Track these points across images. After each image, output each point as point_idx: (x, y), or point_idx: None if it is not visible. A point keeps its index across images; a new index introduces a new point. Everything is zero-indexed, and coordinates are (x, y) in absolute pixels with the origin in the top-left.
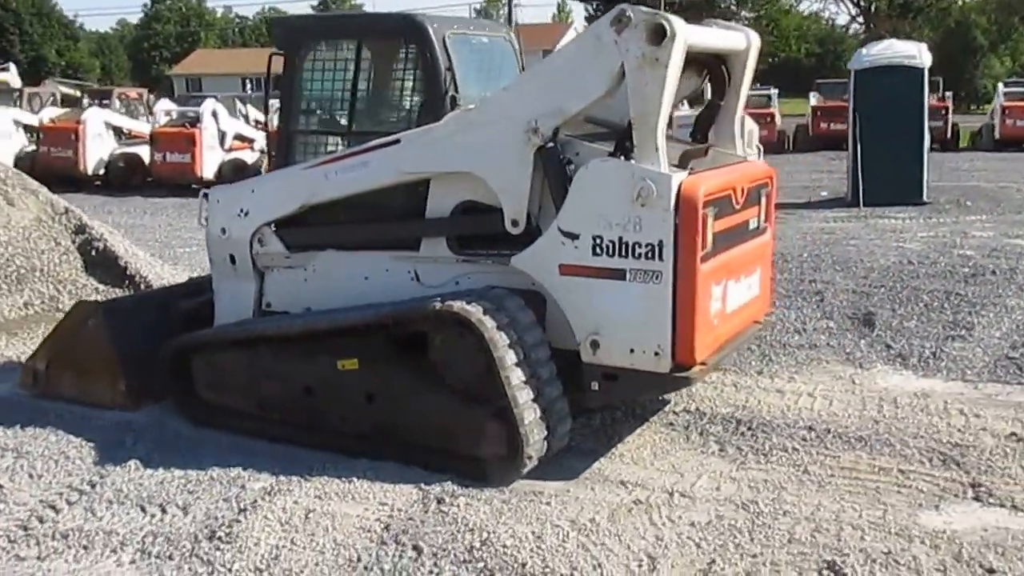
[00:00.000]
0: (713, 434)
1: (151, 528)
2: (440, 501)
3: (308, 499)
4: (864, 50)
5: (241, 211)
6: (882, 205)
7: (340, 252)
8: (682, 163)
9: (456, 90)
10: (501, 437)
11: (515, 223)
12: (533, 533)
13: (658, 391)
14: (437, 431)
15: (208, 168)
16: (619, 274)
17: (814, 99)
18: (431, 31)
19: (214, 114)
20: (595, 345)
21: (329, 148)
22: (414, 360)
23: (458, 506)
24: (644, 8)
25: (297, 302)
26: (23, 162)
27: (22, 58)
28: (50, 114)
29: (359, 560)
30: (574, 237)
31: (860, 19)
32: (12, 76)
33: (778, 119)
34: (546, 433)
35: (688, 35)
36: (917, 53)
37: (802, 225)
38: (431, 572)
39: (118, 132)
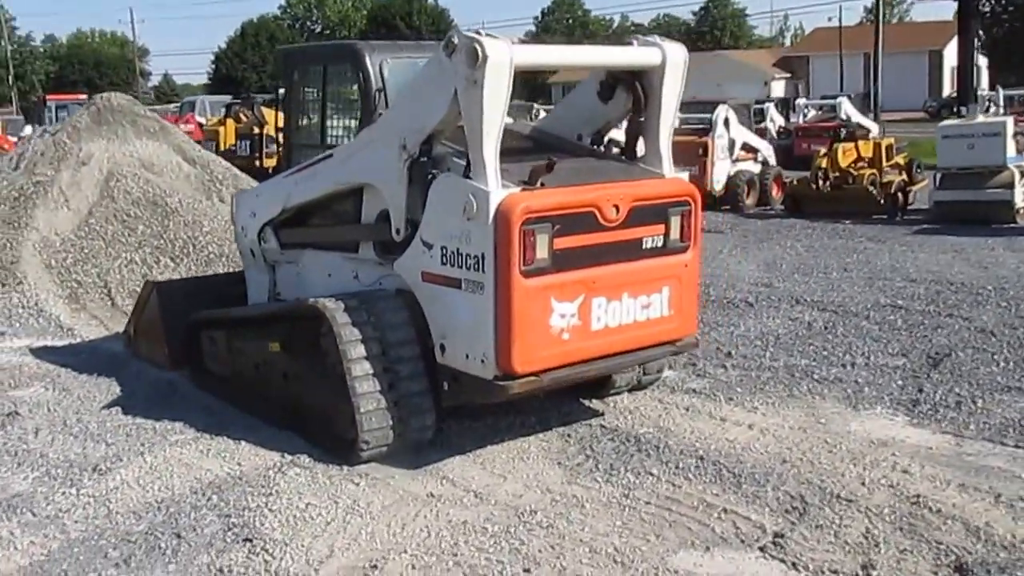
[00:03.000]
0: (599, 451)
1: (70, 457)
2: (279, 469)
3: (189, 452)
4: None
5: (252, 213)
6: None
7: (316, 251)
8: (531, 179)
9: (387, 108)
10: (350, 422)
11: (398, 231)
12: (309, 505)
13: (489, 397)
14: (319, 411)
15: (718, 181)
16: (456, 283)
17: None
18: (367, 56)
19: (726, 122)
20: (443, 348)
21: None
22: (311, 348)
23: (286, 476)
24: (470, 33)
25: (293, 292)
26: None
27: None
28: None
29: (174, 501)
30: (430, 247)
31: None
32: None
33: None
34: (391, 423)
35: (516, 57)
36: None
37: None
38: (201, 521)
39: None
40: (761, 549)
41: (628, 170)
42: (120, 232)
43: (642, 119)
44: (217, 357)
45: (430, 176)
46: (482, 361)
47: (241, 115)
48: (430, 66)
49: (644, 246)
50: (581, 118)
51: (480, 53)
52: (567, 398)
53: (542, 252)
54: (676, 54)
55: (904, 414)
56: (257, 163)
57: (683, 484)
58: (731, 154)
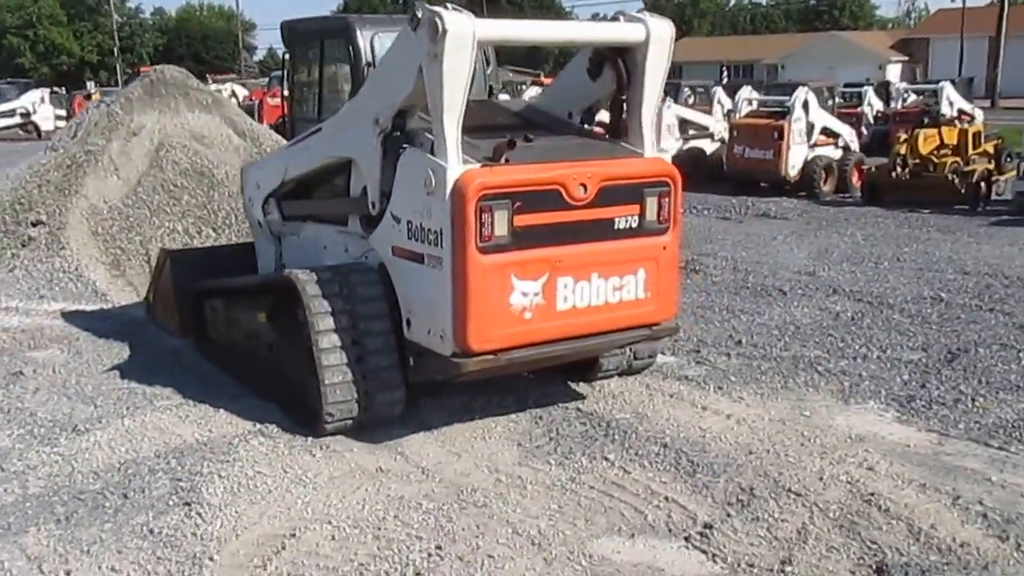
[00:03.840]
0: (564, 434)
1: (57, 417)
2: (245, 437)
3: (168, 417)
4: None
5: (257, 184)
6: None
7: (315, 224)
8: (495, 155)
9: None
10: (318, 394)
11: (373, 205)
12: (258, 473)
13: (446, 374)
14: (295, 382)
15: (793, 166)
16: (420, 258)
17: None
18: (358, 31)
19: (805, 104)
20: (409, 323)
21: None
22: (291, 319)
23: (249, 444)
24: (436, 7)
25: (296, 264)
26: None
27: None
28: None
29: (135, 463)
30: (399, 221)
31: None
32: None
33: None
34: (356, 397)
35: (479, 31)
36: None
37: None
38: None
39: (684, 126)
40: (686, 539)
41: (606, 149)
42: (166, 202)
43: (624, 97)
44: (217, 326)
45: (400, 151)
46: (441, 337)
47: None
48: (398, 41)
49: (617, 226)
50: (572, 96)
51: (440, 27)
52: (553, 380)
53: (501, 229)
54: (661, 30)
55: (896, 410)
56: None
57: (635, 471)
58: (809, 138)
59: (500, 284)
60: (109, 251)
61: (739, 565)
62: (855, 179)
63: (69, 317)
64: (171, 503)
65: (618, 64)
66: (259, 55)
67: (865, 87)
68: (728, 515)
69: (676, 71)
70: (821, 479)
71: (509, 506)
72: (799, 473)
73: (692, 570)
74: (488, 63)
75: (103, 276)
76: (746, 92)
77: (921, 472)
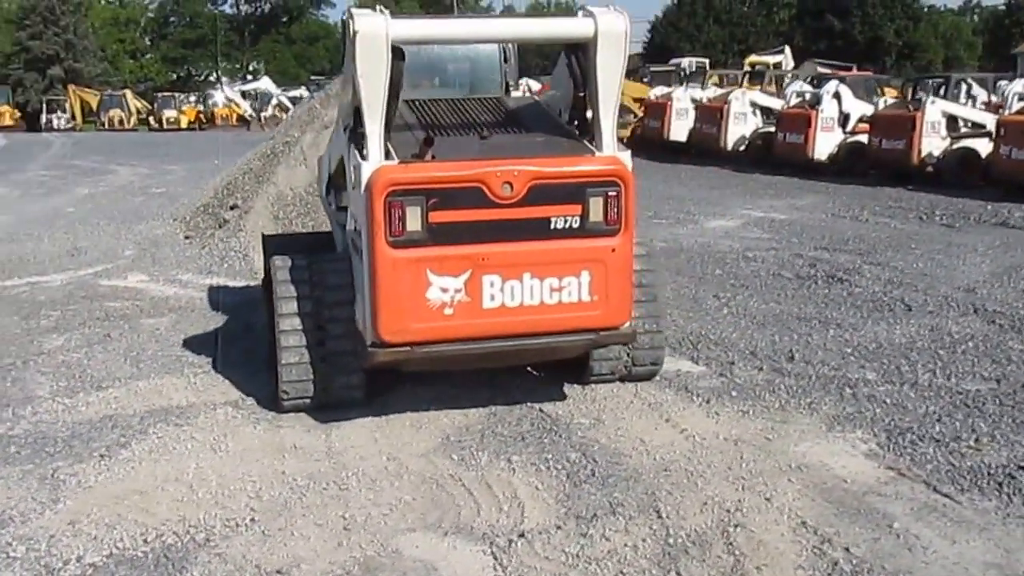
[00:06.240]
0: (500, 434)
1: (94, 375)
2: (217, 405)
3: (175, 381)
4: None
5: (325, 174)
6: None
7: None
8: (420, 153)
9: None
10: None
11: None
12: (186, 437)
13: (364, 362)
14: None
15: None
16: (358, 250)
17: None
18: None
19: (836, 96)
20: (354, 312)
21: None
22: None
23: (214, 412)
24: (354, 9)
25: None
26: (753, 144)
27: (860, 39)
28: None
29: (108, 418)
30: (351, 215)
31: None
32: (786, 57)
33: None
34: (312, 378)
35: (393, 31)
36: None
37: None
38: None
39: (766, 112)
40: (491, 544)
41: (556, 147)
42: None
43: (582, 94)
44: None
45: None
46: (364, 327)
47: None
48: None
49: (553, 226)
50: (561, 94)
51: (351, 28)
52: (552, 379)
53: (414, 224)
54: (612, 24)
55: (876, 443)
56: None
57: (523, 474)
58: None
59: (414, 278)
60: None
61: None
62: None
63: (212, 291)
64: (95, 454)
65: (571, 61)
66: None
67: None
68: (559, 527)
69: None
70: (705, 504)
71: (363, 493)
72: (688, 495)
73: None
74: (507, 59)
75: None
76: (1019, 85)
77: (822, 511)
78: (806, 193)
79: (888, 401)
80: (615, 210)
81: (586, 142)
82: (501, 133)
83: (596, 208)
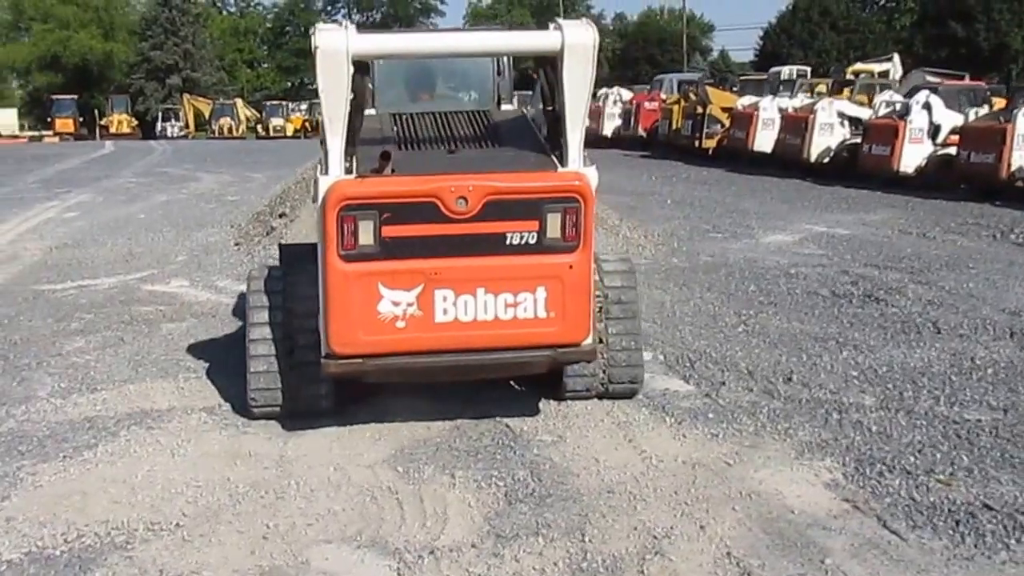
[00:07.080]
0: (457, 448)
1: (98, 377)
2: (193, 411)
3: (167, 386)
4: None
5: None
6: None
7: None
8: (379, 168)
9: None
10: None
11: None
12: (151, 441)
13: (327, 374)
14: None
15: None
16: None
17: None
18: None
19: (927, 106)
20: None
21: None
22: None
23: (188, 417)
24: (319, 24)
25: None
26: (839, 156)
27: (985, 46)
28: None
29: (91, 419)
30: None
31: None
32: (894, 66)
33: None
34: (280, 387)
35: (352, 46)
36: None
37: None
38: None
39: (855, 122)
40: (399, 560)
41: (518, 162)
42: None
43: (549, 108)
44: None
45: None
46: (322, 339)
47: (690, 94)
48: None
49: (509, 242)
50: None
51: (312, 43)
52: (529, 395)
53: (366, 238)
54: (579, 37)
55: (841, 472)
56: (696, 143)
57: (459, 490)
58: None
59: (365, 292)
60: None
61: None
62: None
63: (241, 297)
64: (61, 455)
65: (538, 75)
66: (713, 55)
67: None
68: (474, 546)
69: None
70: (635, 529)
71: (296, 502)
72: (621, 519)
73: None
74: (500, 73)
75: None
76: (886, 95)
77: (753, 543)
78: (882, 207)
79: (873, 428)
80: (573, 226)
81: (554, 157)
82: (473, 148)
83: (554, 224)
